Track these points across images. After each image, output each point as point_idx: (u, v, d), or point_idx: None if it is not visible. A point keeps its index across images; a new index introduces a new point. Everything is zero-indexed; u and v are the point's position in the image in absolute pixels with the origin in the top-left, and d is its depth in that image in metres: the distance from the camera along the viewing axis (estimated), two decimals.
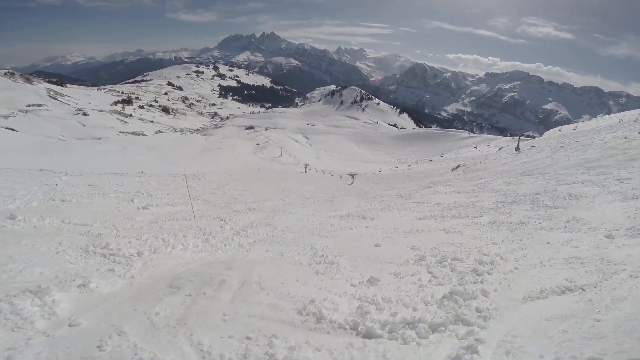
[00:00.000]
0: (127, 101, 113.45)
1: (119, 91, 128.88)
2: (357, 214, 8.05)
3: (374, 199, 11.59)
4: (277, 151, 44.68)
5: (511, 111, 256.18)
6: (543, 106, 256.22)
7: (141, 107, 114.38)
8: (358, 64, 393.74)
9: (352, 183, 27.25)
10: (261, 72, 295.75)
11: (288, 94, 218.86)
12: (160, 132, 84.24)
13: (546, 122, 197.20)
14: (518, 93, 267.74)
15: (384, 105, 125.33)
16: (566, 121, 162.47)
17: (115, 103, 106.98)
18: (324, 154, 53.47)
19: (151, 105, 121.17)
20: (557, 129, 37.24)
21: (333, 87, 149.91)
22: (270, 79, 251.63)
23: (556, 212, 6.10)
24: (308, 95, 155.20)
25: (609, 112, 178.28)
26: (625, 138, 15.56)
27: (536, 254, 4.36)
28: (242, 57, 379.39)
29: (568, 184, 8.79)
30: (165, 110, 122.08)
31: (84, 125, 70.79)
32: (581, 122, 36.14)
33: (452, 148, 52.48)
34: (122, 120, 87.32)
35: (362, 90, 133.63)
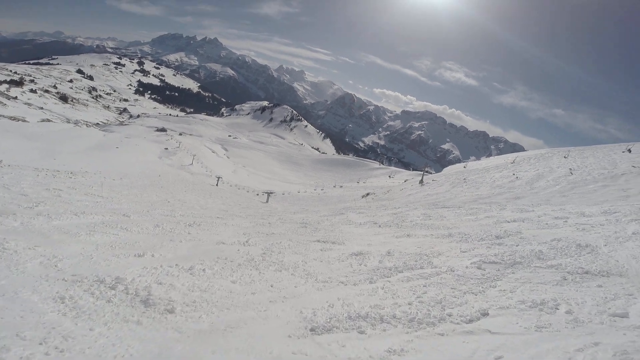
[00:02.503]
0: (17, 82, 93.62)
1: (11, 70, 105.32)
2: (153, 280, 3.89)
3: (269, 226, 9.28)
4: (187, 159, 41.52)
5: (416, 148, 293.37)
6: (442, 146, 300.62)
7: (33, 91, 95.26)
8: (296, 84, 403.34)
9: (267, 201, 26.78)
10: (191, 75, 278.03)
11: (215, 103, 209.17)
12: (49, 120, 70.88)
13: (442, 161, 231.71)
14: (424, 132, 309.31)
15: (311, 128, 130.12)
16: (457, 160, 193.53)
17: (0, 83, 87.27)
18: (242, 169, 51.93)
19: (46, 91, 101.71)
20: (460, 164, 43.09)
21: (265, 103, 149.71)
22: (199, 84, 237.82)
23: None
24: (237, 107, 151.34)
25: (490, 154, 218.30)
26: (517, 177, 17.18)
27: None
28: (174, 57, 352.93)
29: (508, 221, 7.82)
30: (63, 98, 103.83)
31: None
32: (471, 162, 42.90)
33: (364, 176, 56.81)
34: (1, 102, 70.93)
35: (294, 111, 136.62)
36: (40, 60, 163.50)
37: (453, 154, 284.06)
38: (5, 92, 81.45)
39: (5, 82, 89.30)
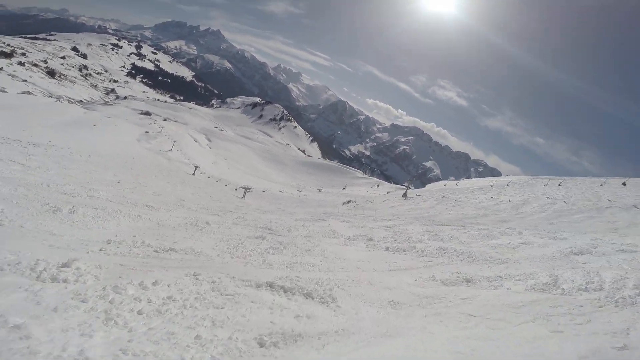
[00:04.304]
0: (7, 54, 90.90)
1: (4, 42, 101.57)
2: None
3: (203, 230, 7.03)
4: (167, 145, 40.64)
5: (400, 162, 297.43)
6: (424, 163, 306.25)
7: (21, 63, 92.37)
8: (291, 85, 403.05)
9: (243, 197, 26.35)
10: (188, 64, 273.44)
11: (207, 93, 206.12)
12: (29, 93, 68.34)
13: (422, 178, 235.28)
14: (409, 148, 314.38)
15: (300, 130, 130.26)
16: (437, 179, 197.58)
17: None
18: (223, 162, 51.26)
19: (35, 65, 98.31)
20: (441, 183, 43.98)
21: (257, 99, 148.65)
22: (193, 73, 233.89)
23: None
24: (228, 100, 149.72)
25: (469, 177, 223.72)
26: (510, 201, 17.00)
27: None
28: (173, 45, 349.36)
29: (574, 253, 6.28)
30: (51, 73, 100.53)
31: None
32: (452, 182, 43.87)
33: (346, 184, 57.29)
34: None
35: (285, 111, 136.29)
36: (38, 35, 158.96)
37: (434, 172, 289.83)
38: None
39: None
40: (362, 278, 4.69)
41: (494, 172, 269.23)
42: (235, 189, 32.03)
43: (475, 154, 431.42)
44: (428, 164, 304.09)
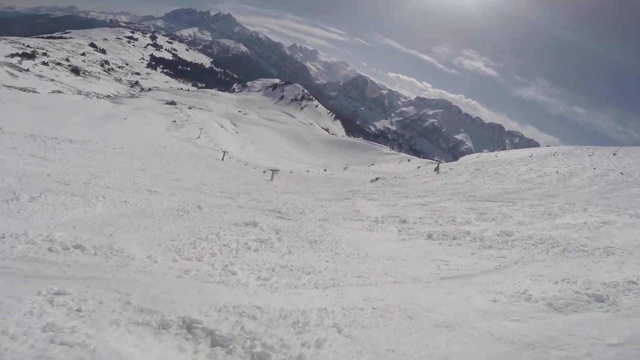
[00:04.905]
0: (29, 55, 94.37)
1: (24, 44, 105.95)
2: None
3: (183, 217, 5.87)
4: (195, 132, 41.10)
5: (429, 136, 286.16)
6: (455, 136, 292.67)
7: (45, 63, 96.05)
8: (308, 64, 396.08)
9: (271, 179, 26.31)
10: (204, 51, 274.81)
11: (227, 79, 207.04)
12: (59, 92, 71.49)
13: (454, 151, 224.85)
14: (438, 121, 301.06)
15: (321, 108, 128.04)
16: (470, 152, 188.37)
17: (12, 55, 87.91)
18: (250, 145, 51.43)
19: (58, 64, 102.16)
20: (474, 155, 41.56)
21: (277, 80, 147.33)
22: (211, 60, 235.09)
23: None
24: (248, 83, 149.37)
25: (504, 148, 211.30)
26: (558, 172, 15.63)
27: None
28: (187, 32, 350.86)
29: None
30: (75, 70, 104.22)
31: None
32: (484, 154, 41.04)
33: (373, 160, 55.81)
34: (12, 74, 71.79)
35: (305, 90, 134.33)
36: (54, 35, 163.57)
37: (466, 145, 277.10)
38: (17, 65, 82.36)
39: (17, 54, 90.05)
40: (393, 299, 2.67)
41: (531, 143, 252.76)
42: (264, 172, 32.02)
43: (510, 125, 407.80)
44: (459, 136, 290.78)
